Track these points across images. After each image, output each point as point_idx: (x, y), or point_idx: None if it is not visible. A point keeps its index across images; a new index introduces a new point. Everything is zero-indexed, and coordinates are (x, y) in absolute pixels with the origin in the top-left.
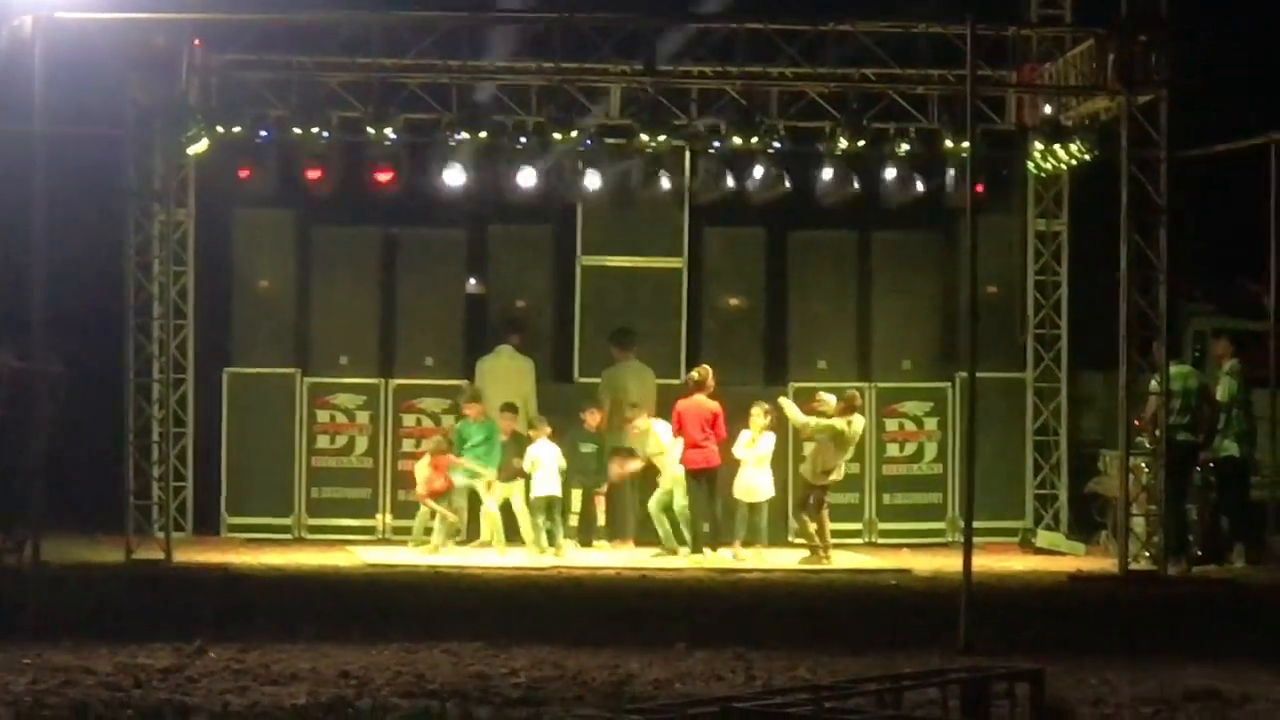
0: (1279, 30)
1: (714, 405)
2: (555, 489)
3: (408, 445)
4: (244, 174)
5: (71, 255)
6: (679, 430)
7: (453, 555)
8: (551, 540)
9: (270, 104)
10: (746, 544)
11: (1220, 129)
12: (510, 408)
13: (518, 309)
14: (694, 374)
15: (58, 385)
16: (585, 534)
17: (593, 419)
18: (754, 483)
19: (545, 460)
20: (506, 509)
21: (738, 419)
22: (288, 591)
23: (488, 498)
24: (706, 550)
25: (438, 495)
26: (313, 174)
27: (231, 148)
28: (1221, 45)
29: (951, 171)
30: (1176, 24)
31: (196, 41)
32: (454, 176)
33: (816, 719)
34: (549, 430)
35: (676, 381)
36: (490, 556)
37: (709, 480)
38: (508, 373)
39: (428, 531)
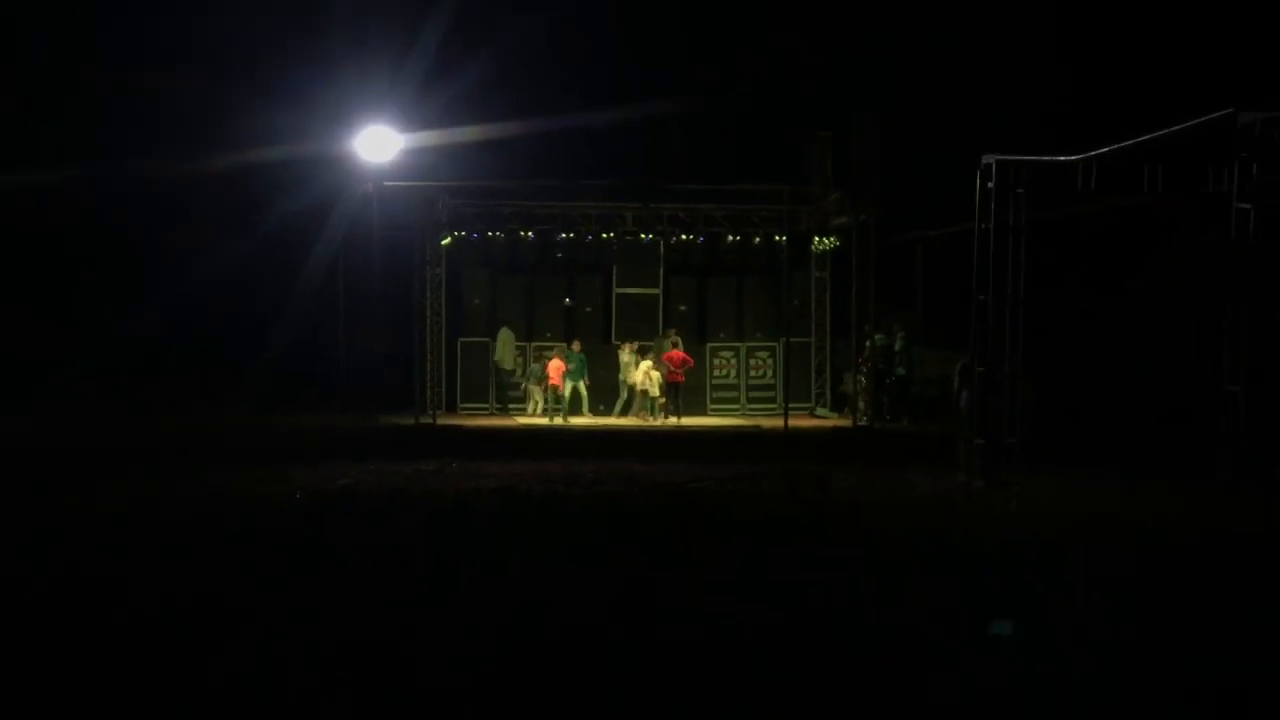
0: (938, 172)
1: (683, 352)
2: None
3: (535, 368)
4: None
5: (394, 293)
6: (669, 362)
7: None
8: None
9: (479, 222)
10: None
11: (904, 227)
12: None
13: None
14: (672, 336)
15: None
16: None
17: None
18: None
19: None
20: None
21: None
22: (488, 436)
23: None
24: (659, 417)
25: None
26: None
27: (460, 241)
28: (908, 186)
29: (776, 248)
30: (880, 181)
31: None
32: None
33: (719, 491)
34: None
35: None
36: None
37: (676, 389)
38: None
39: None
